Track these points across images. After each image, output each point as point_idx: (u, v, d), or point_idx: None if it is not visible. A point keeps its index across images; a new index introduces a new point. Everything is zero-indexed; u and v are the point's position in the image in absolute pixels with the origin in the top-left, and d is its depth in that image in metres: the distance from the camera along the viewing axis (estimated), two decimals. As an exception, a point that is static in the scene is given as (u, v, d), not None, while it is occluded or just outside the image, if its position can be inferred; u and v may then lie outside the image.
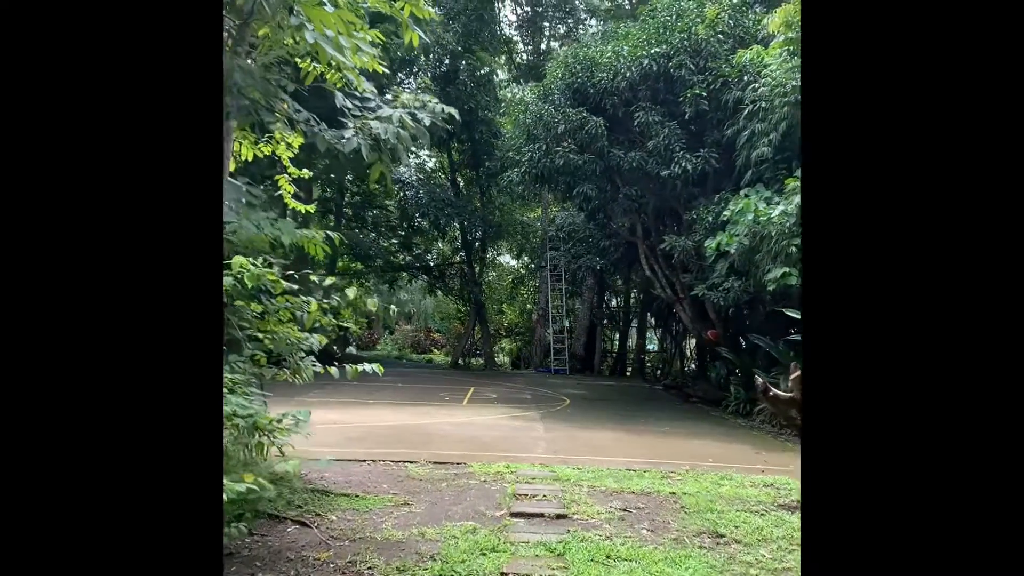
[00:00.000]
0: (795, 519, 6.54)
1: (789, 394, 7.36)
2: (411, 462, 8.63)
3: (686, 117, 14.99)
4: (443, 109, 6.99)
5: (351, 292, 6.93)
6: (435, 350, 37.12)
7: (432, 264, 28.08)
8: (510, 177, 17.17)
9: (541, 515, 6.40)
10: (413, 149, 25.46)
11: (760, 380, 7.48)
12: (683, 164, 14.64)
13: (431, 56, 22.11)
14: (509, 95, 22.65)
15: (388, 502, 6.78)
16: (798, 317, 12.00)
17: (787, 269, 11.98)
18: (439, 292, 29.53)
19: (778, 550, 5.72)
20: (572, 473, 8.15)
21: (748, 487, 7.88)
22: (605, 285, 27.12)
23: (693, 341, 24.46)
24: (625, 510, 6.73)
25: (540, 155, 16.10)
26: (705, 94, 14.66)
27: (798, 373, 7.36)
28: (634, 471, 8.53)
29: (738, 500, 7.19)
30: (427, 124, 6.86)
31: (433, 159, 27.11)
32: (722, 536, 6.02)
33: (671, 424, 13.42)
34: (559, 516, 6.38)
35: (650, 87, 15.42)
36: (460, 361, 26.75)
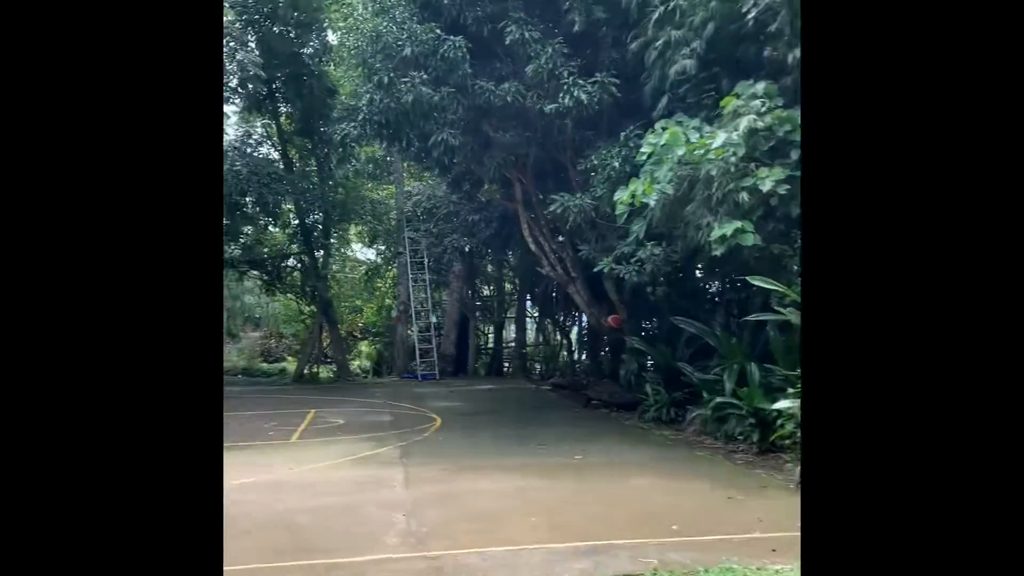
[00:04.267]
0: None
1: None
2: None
3: (575, 30, 11.20)
4: None
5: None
6: (289, 358, 32.30)
7: (266, 257, 23.01)
8: (345, 130, 12.83)
9: None
10: (227, 113, 20.47)
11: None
12: (574, 93, 10.84)
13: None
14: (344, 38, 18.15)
15: None
16: (770, 287, 8.43)
17: (739, 224, 8.40)
18: (277, 291, 24.51)
19: None
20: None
21: (784, 605, 4.12)
22: (476, 270, 23.17)
23: (580, 329, 21.02)
24: None
25: (381, 94, 11.86)
26: (598, -2, 10.94)
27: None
28: (564, 582, 4.60)
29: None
30: None
31: (260, 126, 22.00)
32: None
33: (584, 446, 9.64)
34: None
35: (524, -6, 11.55)
36: (306, 372, 22.03)
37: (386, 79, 11.61)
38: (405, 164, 21.50)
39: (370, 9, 12.29)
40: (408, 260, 21.11)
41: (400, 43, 11.43)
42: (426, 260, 21.08)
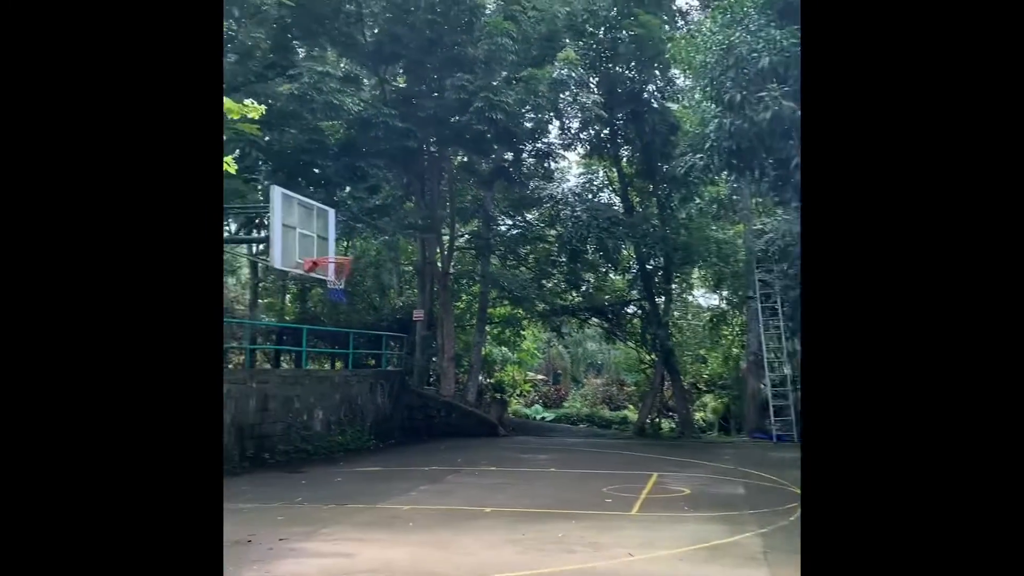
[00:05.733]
0: None
1: None
2: None
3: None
4: None
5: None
6: (630, 406, 31.75)
7: (606, 304, 22.48)
8: (690, 162, 11.52)
9: None
10: (568, 157, 20.43)
11: None
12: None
13: (585, 23, 17.07)
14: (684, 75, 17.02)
15: None
16: None
17: None
18: (617, 339, 23.84)
19: None
20: None
21: None
22: (839, 317, 20.15)
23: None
24: None
25: (732, 117, 10.36)
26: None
27: None
28: None
29: None
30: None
31: (601, 171, 21.70)
32: None
33: None
34: None
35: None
36: (647, 425, 20.84)
37: (738, 97, 10.09)
38: (754, 201, 19.56)
39: (719, 22, 10.91)
40: (759, 305, 19.03)
41: (755, 54, 9.86)
42: (780, 305, 18.77)
